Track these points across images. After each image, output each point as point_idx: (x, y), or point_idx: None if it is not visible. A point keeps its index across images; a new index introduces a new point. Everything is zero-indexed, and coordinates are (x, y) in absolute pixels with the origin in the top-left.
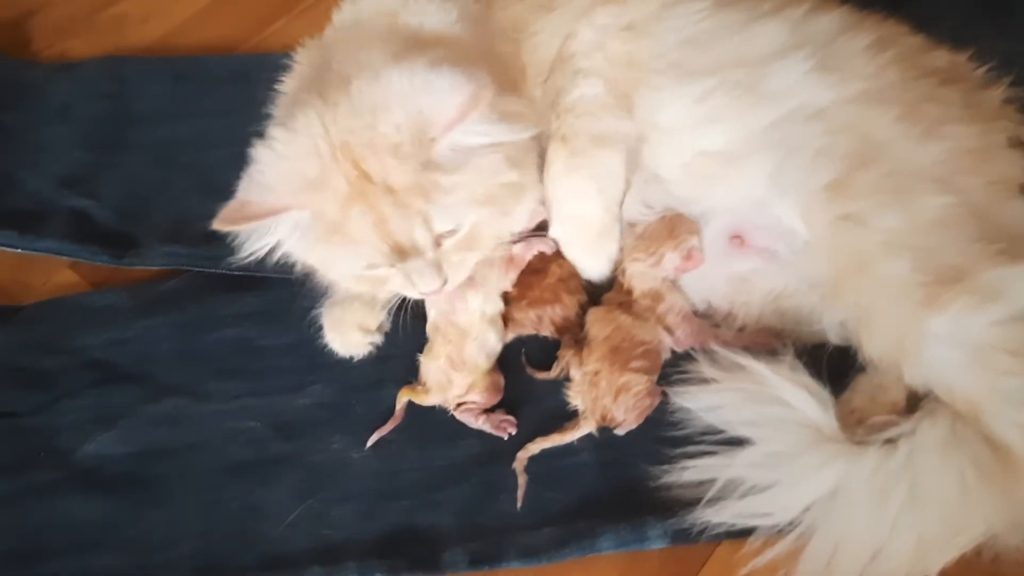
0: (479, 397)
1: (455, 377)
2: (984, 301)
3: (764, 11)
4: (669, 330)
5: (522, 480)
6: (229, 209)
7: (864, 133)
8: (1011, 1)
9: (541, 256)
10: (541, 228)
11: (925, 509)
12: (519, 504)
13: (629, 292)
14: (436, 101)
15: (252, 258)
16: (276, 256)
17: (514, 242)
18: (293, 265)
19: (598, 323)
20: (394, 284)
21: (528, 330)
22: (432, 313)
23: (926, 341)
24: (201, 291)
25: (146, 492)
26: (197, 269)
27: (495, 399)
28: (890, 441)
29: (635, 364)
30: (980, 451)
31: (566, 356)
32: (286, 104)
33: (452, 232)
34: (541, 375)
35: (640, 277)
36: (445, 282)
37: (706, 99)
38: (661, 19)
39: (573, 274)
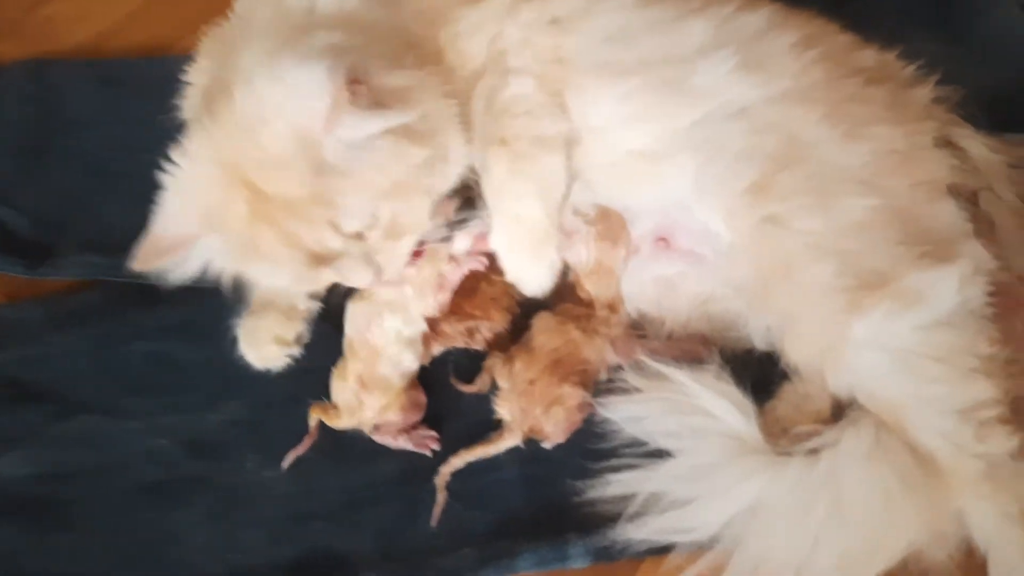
0: (396, 417)
1: (366, 399)
2: (907, 306)
3: (691, 8)
4: (615, 344)
5: (441, 498)
6: (144, 247)
7: (788, 133)
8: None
9: (471, 275)
10: None
11: (848, 523)
12: (434, 522)
13: (590, 304)
14: (307, 104)
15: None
16: (209, 275)
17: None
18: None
19: (548, 333)
20: (332, 278)
21: (458, 343)
22: (348, 329)
23: (849, 347)
24: (118, 303)
25: (51, 515)
26: (114, 279)
27: (416, 417)
28: (813, 452)
29: (574, 379)
30: (904, 461)
31: (494, 366)
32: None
33: (370, 226)
34: (468, 388)
35: (603, 290)
36: (380, 272)
37: (632, 97)
38: (586, 15)
39: (505, 292)
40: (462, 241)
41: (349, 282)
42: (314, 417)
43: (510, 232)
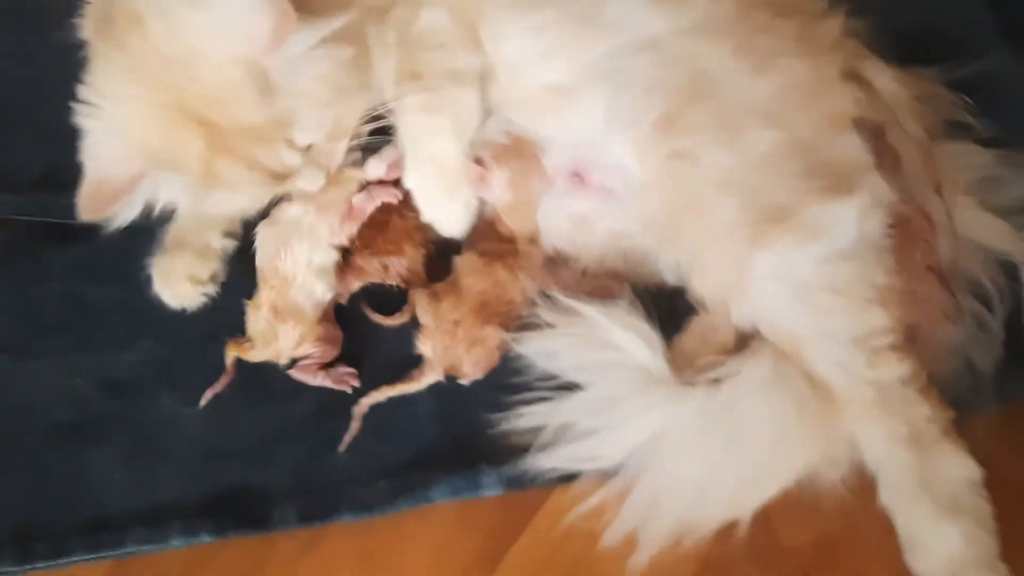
0: (314, 350)
1: (280, 329)
2: (807, 239)
3: None
4: (536, 275)
5: (355, 426)
6: (87, 196)
7: (696, 66)
8: None
9: (384, 208)
10: None
11: (745, 448)
12: (342, 447)
13: (512, 240)
14: (245, 30)
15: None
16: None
17: (360, 189)
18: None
19: (475, 275)
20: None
21: (374, 279)
22: (258, 257)
23: (752, 279)
24: (29, 242)
25: None
26: (23, 218)
27: (333, 353)
28: (716, 382)
29: (497, 320)
30: (800, 388)
31: (418, 302)
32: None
33: (319, 135)
34: (385, 321)
35: (527, 223)
36: (329, 172)
37: (544, 30)
38: None
39: (418, 227)
40: (375, 167)
41: (303, 189)
42: (230, 355)
43: (424, 171)
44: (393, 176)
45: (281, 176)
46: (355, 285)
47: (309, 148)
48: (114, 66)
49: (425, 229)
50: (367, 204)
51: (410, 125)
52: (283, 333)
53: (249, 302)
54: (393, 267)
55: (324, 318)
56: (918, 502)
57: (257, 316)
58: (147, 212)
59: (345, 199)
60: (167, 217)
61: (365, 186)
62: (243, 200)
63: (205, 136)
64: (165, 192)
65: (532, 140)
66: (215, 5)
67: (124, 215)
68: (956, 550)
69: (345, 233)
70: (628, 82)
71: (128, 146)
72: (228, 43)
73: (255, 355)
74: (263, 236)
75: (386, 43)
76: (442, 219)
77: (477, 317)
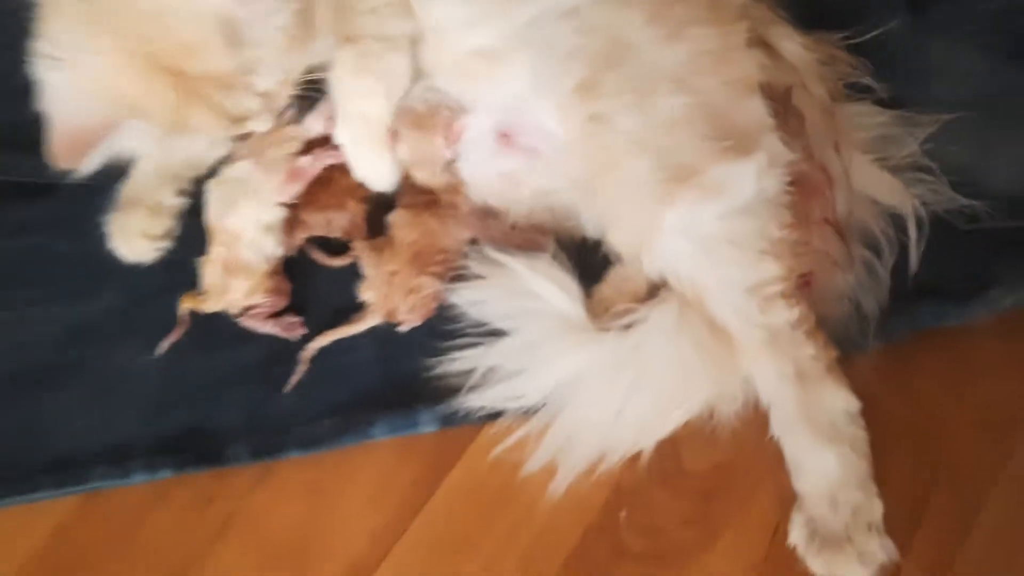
0: (264, 300)
1: (232, 282)
2: (709, 196)
3: None
4: (465, 221)
5: (301, 368)
6: (60, 145)
7: (613, 34)
8: None
9: (327, 167)
10: None
11: (651, 387)
12: (287, 388)
13: (430, 191)
14: None
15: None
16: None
17: (301, 154)
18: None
19: (406, 227)
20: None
21: (317, 232)
22: (207, 214)
23: (660, 234)
24: None
25: None
26: None
27: (282, 303)
28: (627, 327)
29: (432, 269)
30: (702, 332)
31: (361, 251)
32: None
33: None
34: (331, 262)
35: (431, 178)
36: (279, 114)
37: None
38: None
39: (359, 184)
40: (314, 122)
41: (259, 130)
42: (184, 307)
43: (355, 129)
44: (331, 130)
45: (239, 120)
46: (300, 238)
47: (265, 94)
48: (75, 20)
49: (364, 186)
50: (313, 165)
51: (342, 85)
52: (234, 286)
53: (203, 258)
54: (336, 221)
55: (273, 271)
56: (802, 431)
57: (210, 271)
58: (107, 163)
59: (288, 158)
60: (123, 174)
61: (310, 147)
62: (202, 145)
63: (176, 85)
64: (131, 140)
65: (438, 106)
66: None
67: (92, 162)
68: (833, 471)
69: (290, 192)
70: (550, 48)
71: (98, 97)
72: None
73: (209, 306)
74: (212, 194)
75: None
76: (370, 174)
77: (412, 267)
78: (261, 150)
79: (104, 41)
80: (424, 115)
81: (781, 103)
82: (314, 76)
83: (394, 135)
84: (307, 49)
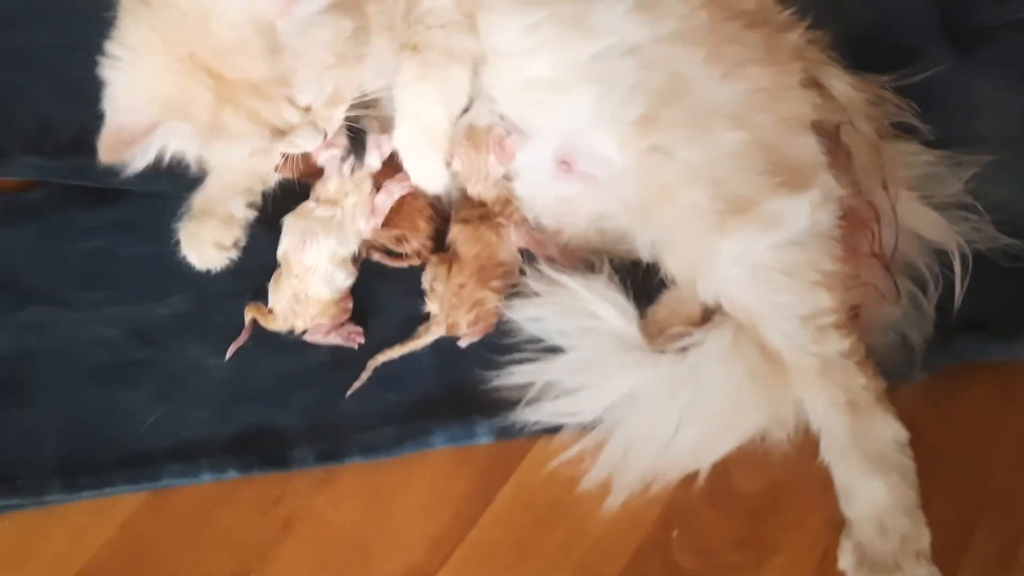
0: (326, 321)
1: (300, 311)
2: (765, 228)
3: None
4: (519, 231)
5: (364, 376)
6: (106, 140)
7: (673, 71)
8: None
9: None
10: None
11: (706, 409)
12: (348, 394)
13: (483, 203)
14: None
15: (142, 171)
16: (167, 160)
17: (376, 189)
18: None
19: (468, 242)
20: (283, 148)
21: (390, 248)
22: (283, 243)
23: (716, 261)
24: (63, 202)
25: (11, 394)
26: (58, 181)
27: (343, 319)
28: (683, 350)
29: (494, 283)
30: (755, 358)
31: (432, 268)
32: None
33: (317, 98)
34: (394, 262)
35: (484, 192)
36: (325, 134)
37: (537, 28)
38: None
39: (427, 204)
40: (372, 158)
41: (300, 149)
42: (249, 315)
43: (412, 131)
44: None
45: (280, 132)
46: (373, 256)
47: (308, 110)
48: (137, 20)
49: (430, 208)
50: (388, 201)
51: (404, 90)
52: (301, 314)
53: (272, 281)
54: (405, 239)
55: (341, 297)
56: (852, 458)
57: (279, 297)
58: (162, 162)
59: (367, 199)
60: (192, 183)
61: (381, 183)
62: (244, 151)
63: (213, 87)
64: (175, 141)
65: (486, 125)
66: None
67: (139, 160)
68: (881, 499)
69: (371, 227)
70: (614, 82)
71: (145, 95)
72: (243, 1)
73: (273, 327)
74: (289, 226)
75: (388, 21)
76: (423, 175)
77: (478, 280)
78: (338, 199)
79: (154, 40)
80: (479, 132)
81: (831, 140)
82: (369, 99)
83: (451, 148)
84: (358, 71)
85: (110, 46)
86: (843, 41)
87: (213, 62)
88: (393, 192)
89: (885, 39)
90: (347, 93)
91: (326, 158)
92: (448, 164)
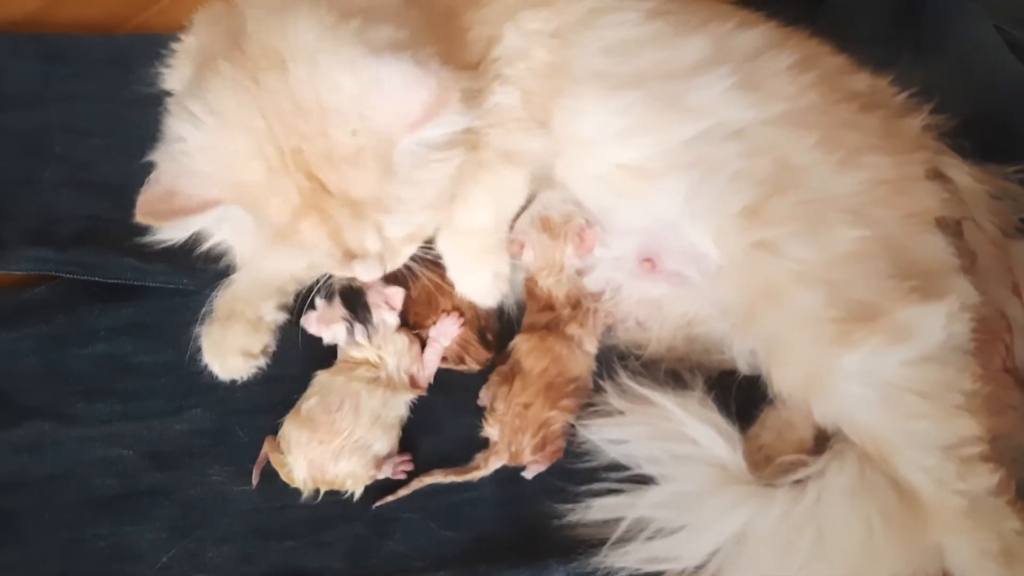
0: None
1: (319, 478)
2: (895, 341)
3: (691, 24)
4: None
5: (402, 492)
6: (153, 198)
7: (781, 157)
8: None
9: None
10: None
11: (831, 556)
12: (375, 505)
13: (551, 306)
14: (395, 102)
15: (167, 243)
16: (203, 247)
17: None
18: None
19: (533, 354)
20: (327, 269)
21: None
22: (311, 403)
23: (837, 378)
24: (71, 300)
25: (1, 530)
26: (65, 276)
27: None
28: (799, 483)
29: (564, 402)
30: (887, 496)
31: (490, 386)
32: (192, 69)
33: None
34: (456, 366)
35: (556, 286)
36: (385, 269)
37: (627, 111)
38: (589, 27)
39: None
40: (386, 315)
41: (355, 277)
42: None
43: (456, 240)
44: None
45: (350, 255)
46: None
47: (388, 240)
48: (238, 91)
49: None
50: (437, 352)
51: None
52: (333, 473)
53: (287, 424)
54: (465, 361)
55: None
56: None
57: (295, 456)
58: (196, 247)
59: (409, 353)
60: (216, 278)
61: (425, 338)
62: (305, 264)
63: (304, 192)
64: (228, 229)
65: (572, 214)
66: (370, 72)
67: (176, 233)
68: None
69: (424, 381)
70: (712, 169)
71: (219, 168)
72: (370, 107)
73: (288, 480)
74: (322, 383)
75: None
76: (469, 285)
77: (546, 399)
78: (376, 362)
79: (255, 122)
80: (556, 222)
81: (953, 238)
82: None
83: (521, 242)
84: (443, 213)
85: (190, 102)
86: (960, 126)
87: (319, 166)
88: (440, 342)
89: (1008, 124)
90: (426, 233)
91: (330, 337)
92: (515, 255)
